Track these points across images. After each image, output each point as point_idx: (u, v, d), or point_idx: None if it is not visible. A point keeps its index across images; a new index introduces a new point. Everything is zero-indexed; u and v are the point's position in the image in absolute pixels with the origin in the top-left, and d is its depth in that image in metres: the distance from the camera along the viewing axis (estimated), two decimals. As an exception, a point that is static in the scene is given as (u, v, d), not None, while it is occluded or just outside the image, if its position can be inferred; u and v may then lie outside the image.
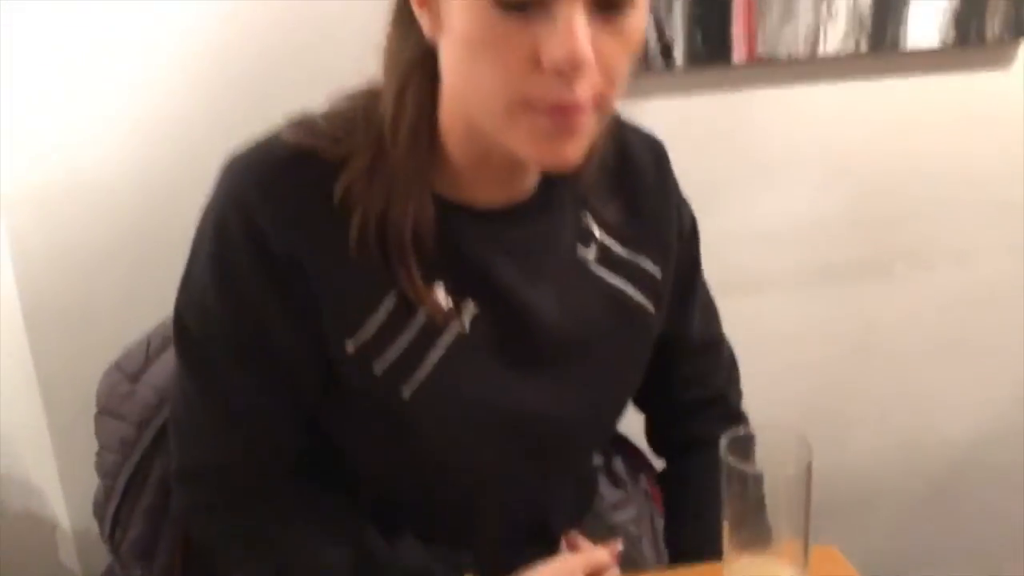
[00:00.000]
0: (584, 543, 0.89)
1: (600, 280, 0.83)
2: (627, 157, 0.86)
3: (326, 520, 0.81)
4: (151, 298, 1.21)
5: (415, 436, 0.77)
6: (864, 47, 1.34)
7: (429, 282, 0.74)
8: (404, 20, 0.71)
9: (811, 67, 1.36)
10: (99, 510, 0.96)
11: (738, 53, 1.30)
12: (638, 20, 0.66)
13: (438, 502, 0.85)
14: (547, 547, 0.89)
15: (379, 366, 0.74)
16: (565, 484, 0.94)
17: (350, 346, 0.74)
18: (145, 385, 0.97)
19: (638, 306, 0.85)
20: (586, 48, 0.61)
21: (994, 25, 1.35)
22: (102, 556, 1.32)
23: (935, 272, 1.52)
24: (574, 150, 0.67)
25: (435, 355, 0.75)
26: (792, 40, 1.31)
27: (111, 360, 1.07)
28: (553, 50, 0.61)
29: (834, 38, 1.32)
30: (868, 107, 1.41)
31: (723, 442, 0.61)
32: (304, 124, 0.75)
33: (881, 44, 1.34)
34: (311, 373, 0.76)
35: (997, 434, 1.64)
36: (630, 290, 0.84)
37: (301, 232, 0.72)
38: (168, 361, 0.98)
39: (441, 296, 0.75)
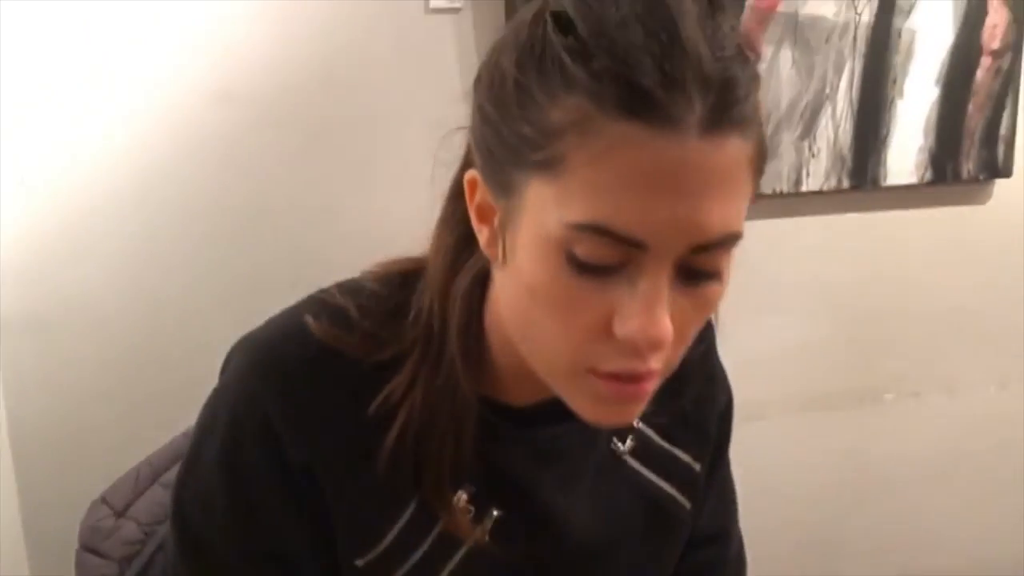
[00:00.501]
0: None
1: (636, 474, 0.76)
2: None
3: None
4: (141, 431, 1.22)
5: None
6: (845, 183, 1.39)
7: (454, 489, 0.67)
8: (460, 207, 0.63)
9: (795, 202, 1.41)
10: (74, 655, 0.93)
11: (724, 189, 1.35)
12: (721, 287, 0.57)
13: None
14: None
15: None
16: None
17: (360, 562, 0.68)
18: (130, 520, 0.96)
19: (674, 501, 0.77)
20: (667, 326, 0.53)
21: (969, 166, 1.41)
22: None
23: (924, 401, 1.54)
24: (635, 413, 0.62)
25: (450, 565, 0.69)
26: (776, 178, 1.36)
27: (95, 485, 1.06)
28: (630, 323, 0.53)
29: (816, 175, 1.37)
30: (851, 239, 1.46)
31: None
32: (335, 315, 0.66)
33: (862, 180, 1.39)
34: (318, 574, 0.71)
35: (994, 564, 1.62)
36: (666, 485, 0.77)
37: (322, 445, 0.66)
38: (156, 494, 0.97)
39: (463, 504, 0.68)
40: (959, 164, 1.41)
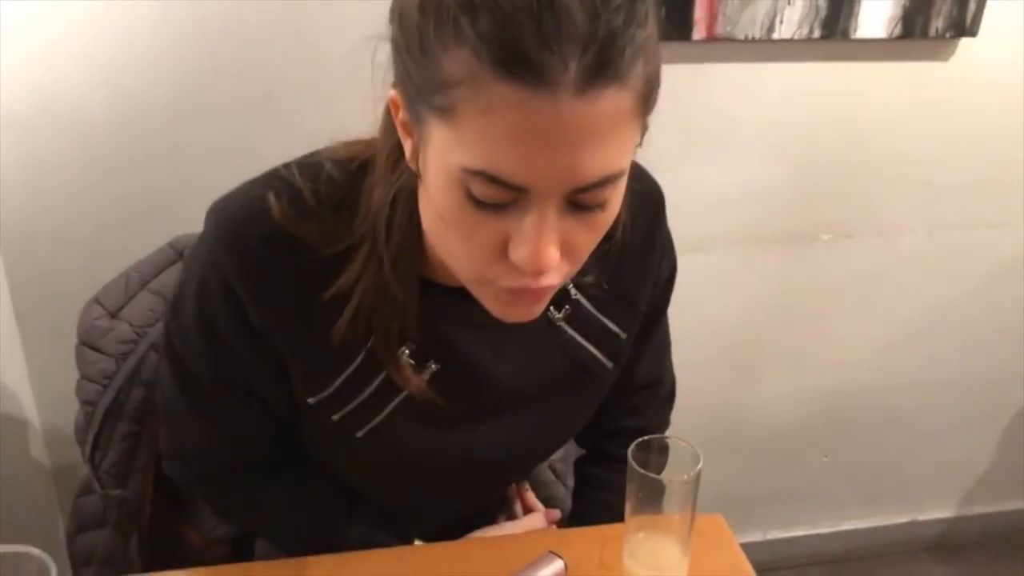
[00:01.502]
0: (532, 500, 1.03)
1: (566, 337, 0.85)
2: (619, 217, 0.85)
3: (293, 491, 0.92)
4: (124, 233, 1.30)
5: (366, 465, 0.86)
6: (817, 33, 1.41)
7: (398, 347, 0.78)
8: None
9: (766, 48, 1.43)
10: (80, 434, 1.06)
11: (699, 31, 1.37)
12: (611, 213, 0.64)
13: (390, 504, 0.94)
14: (490, 520, 1.02)
15: (337, 415, 0.81)
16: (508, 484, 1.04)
17: (311, 400, 0.81)
18: (123, 321, 1.05)
19: (598, 362, 0.87)
20: (552, 255, 0.60)
21: (938, 23, 1.44)
22: (68, 451, 1.44)
23: (857, 242, 1.65)
24: (536, 312, 0.69)
25: (391, 406, 0.81)
26: (750, 23, 1.38)
27: (81, 282, 1.15)
28: (520, 251, 0.60)
29: (790, 23, 1.39)
30: (815, 88, 1.50)
31: (631, 447, 0.73)
32: (294, 198, 0.74)
33: (833, 31, 1.42)
34: (280, 405, 0.85)
35: (892, 384, 1.83)
36: (593, 348, 0.86)
37: (276, 313, 0.76)
38: (145, 299, 1.07)
39: (405, 358, 0.78)
40: (929, 21, 1.43)
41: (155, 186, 1.33)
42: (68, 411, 1.40)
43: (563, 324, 0.84)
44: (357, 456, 0.85)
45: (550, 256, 0.61)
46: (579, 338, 0.86)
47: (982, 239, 1.69)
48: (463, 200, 0.60)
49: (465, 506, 0.99)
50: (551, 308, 0.83)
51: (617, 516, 0.82)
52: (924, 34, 1.45)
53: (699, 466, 0.72)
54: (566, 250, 0.62)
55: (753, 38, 1.40)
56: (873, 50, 1.47)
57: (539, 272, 0.62)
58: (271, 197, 0.74)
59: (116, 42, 1.24)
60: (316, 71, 1.30)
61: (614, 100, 0.56)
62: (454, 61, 0.55)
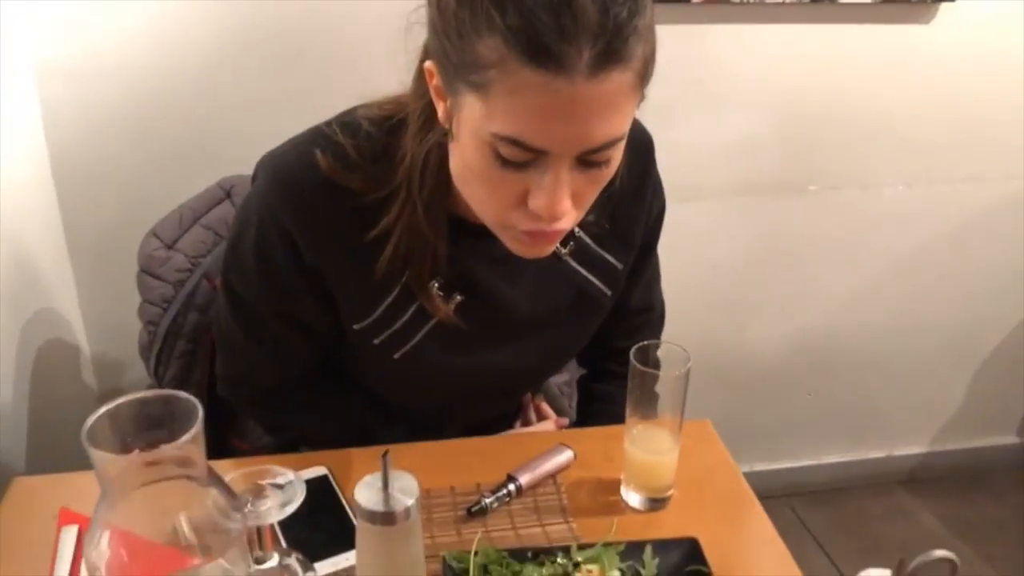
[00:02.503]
0: (545, 408, 1.18)
1: (572, 270, 0.98)
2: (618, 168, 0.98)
3: (334, 407, 1.06)
4: (167, 171, 1.42)
5: (402, 381, 1.00)
6: (807, -3, 1.53)
7: (429, 280, 0.91)
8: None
9: (760, 10, 1.55)
10: (144, 352, 1.20)
11: (697, -6, 1.49)
12: (613, 168, 0.77)
13: (421, 413, 1.07)
14: (507, 426, 1.16)
15: (377, 339, 0.94)
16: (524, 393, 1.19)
17: (356, 326, 0.94)
18: (179, 252, 1.19)
19: (598, 291, 1.01)
20: (566, 205, 0.74)
21: (919, -12, 1.55)
22: (114, 376, 1.58)
23: (841, 193, 1.78)
24: (549, 250, 0.84)
25: (423, 331, 0.94)
26: (745, -13, 1.49)
27: (128, 219, 1.27)
28: (538, 201, 0.73)
29: (782, -13, 1.51)
30: (804, 48, 1.62)
31: (632, 350, 0.86)
32: (337, 152, 0.86)
33: (821, -5, 1.53)
34: (327, 334, 0.98)
35: (872, 328, 1.97)
36: (594, 279, 1.00)
37: (327, 252, 0.89)
38: (198, 233, 1.20)
39: (435, 290, 0.92)
40: (911, -14, 1.55)
41: (198, 132, 1.45)
42: (114, 339, 1.55)
43: (568, 259, 0.98)
44: (394, 374, 0.98)
45: (564, 205, 0.74)
46: (583, 271, 0.99)
47: (957, 192, 1.82)
48: (491, 159, 0.73)
49: (485, 413, 1.13)
50: (558, 245, 0.95)
51: (617, 422, 0.96)
52: (906, -2, 1.56)
53: (688, 364, 0.86)
54: (575, 200, 0.76)
55: (747, 1, 1.51)
56: (859, 13, 1.59)
57: (555, 219, 0.75)
58: (318, 153, 0.86)
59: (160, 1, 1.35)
60: (343, 30, 1.42)
61: (619, 79, 0.68)
62: (487, 47, 0.67)
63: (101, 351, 1.58)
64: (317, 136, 0.89)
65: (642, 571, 0.79)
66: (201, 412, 0.56)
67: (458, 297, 0.93)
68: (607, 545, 0.81)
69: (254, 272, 0.93)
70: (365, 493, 0.64)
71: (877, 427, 2.11)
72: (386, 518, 0.63)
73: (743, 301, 1.88)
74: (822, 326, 1.94)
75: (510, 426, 1.16)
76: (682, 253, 1.65)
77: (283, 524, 0.79)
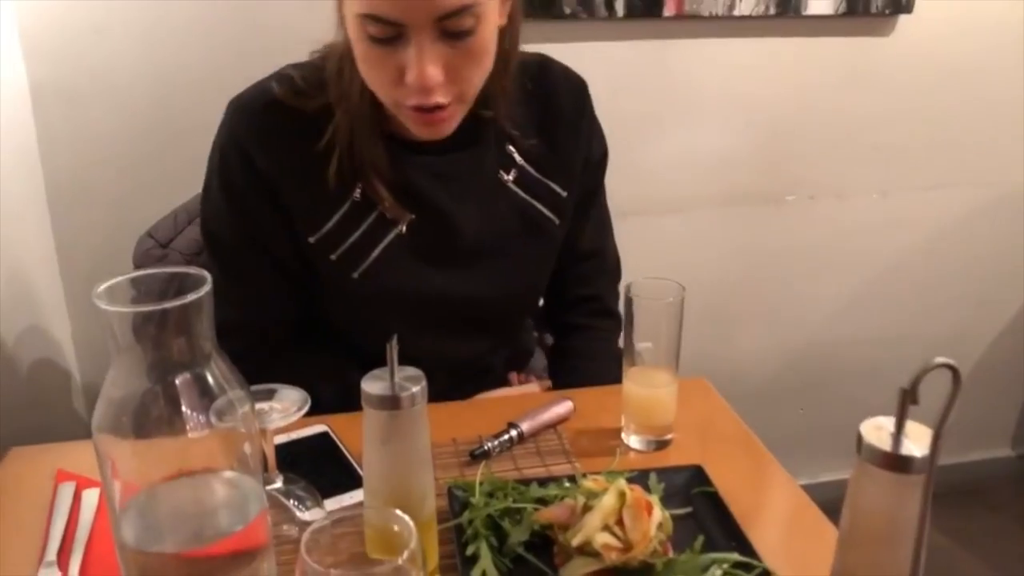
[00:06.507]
0: (529, 377, 1.19)
1: (516, 196, 1.05)
2: (550, 95, 1.07)
3: (322, 366, 1.05)
4: (156, 185, 1.45)
5: (367, 307, 1.03)
6: (772, 10, 1.61)
7: (384, 193, 0.98)
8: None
9: (728, 24, 1.63)
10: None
11: (668, 8, 1.56)
12: (482, 40, 0.85)
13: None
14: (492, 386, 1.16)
15: (334, 255, 0.99)
16: (501, 349, 1.18)
17: (312, 239, 0.99)
18: (175, 251, 1.20)
19: (545, 218, 1.07)
20: (432, 74, 0.83)
21: (878, 1, 1.64)
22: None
23: (818, 203, 1.83)
24: (446, 129, 0.92)
25: (378, 249, 1.00)
26: (713, 1, 1.57)
27: (120, 238, 1.29)
28: (409, 75, 0.83)
29: (748, 1, 1.59)
30: (772, 60, 1.69)
31: (627, 285, 0.88)
32: (287, 80, 0.97)
33: (787, 9, 1.61)
34: (294, 258, 1.01)
35: (860, 339, 1.99)
36: (540, 205, 1.06)
37: (281, 161, 0.97)
38: (192, 232, 1.22)
39: (390, 202, 0.98)
40: (869, 0, 1.64)
41: (191, 153, 1.47)
42: (105, 360, 1.54)
43: (512, 186, 1.05)
44: (358, 299, 1.02)
45: (430, 74, 0.83)
46: (528, 198, 1.06)
47: (928, 199, 1.88)
48: (365, 40, 0.83)
49: (465, 355, 1.11)
50: (501, 171, 1.04)
51: (591, 381, 1.03)
52: (866, 11, 1.65)
53: (683, 292, 0.88)
54: (451, 74, 0.85)
55: (716, 15, 1.59)
56: (822, 26, 1.67)
57: (425, 88, 0.84)
58: (274, 84, 0.98)
59: (154, 24, 1.41)
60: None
61: None
62: None
63: (91, 377, 1.57)
64: (273, 76, 1.00)
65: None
66: (209, 279, 0.58)
67: (410, 216, 1.00)
68: (612, 473, 0.80)
69: (220, 199, 1.00)
70: (371, 383, 0.65)
71: (871, 442, 2.10)
72: (392, 402, 0.63)
73: (728, 315, 1.90)
74: (808, 339, 1.96)
75: (496, 385, 1.15)
76: (663, 267, 1.67)
77: (286, 470, 0.79)
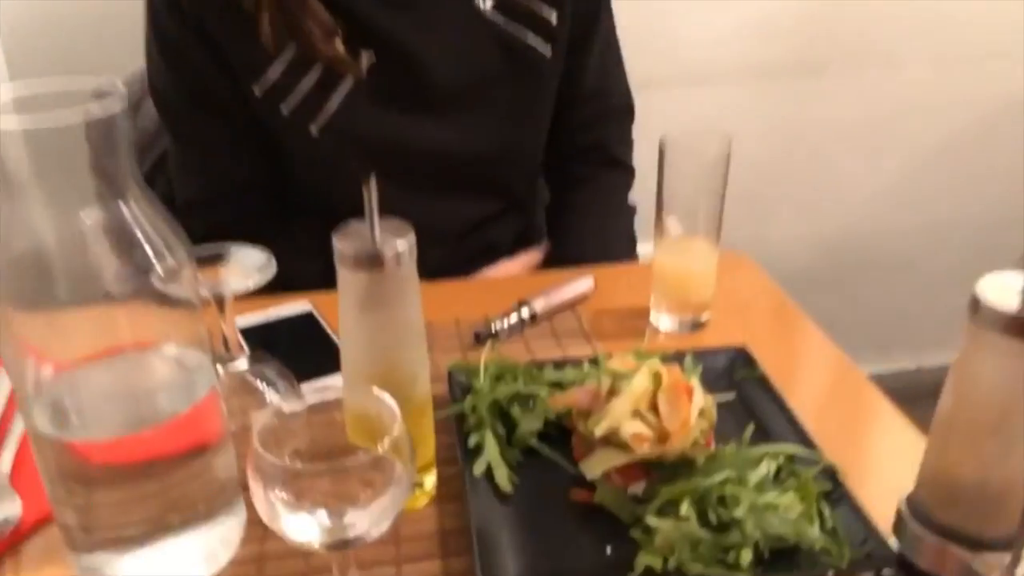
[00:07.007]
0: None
1: (495, 26, 0.89)
2: None
3: (296, 237, 0.93)
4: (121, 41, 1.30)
5: (336, 170, 0.87)
6: None
7: (328, 37, 0.84)
8: None
9: None
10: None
11: None
12: None
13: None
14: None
15: (285, 108, 0.87)
16: (504, 220, 1.03)
17: (257, 90, 0.87)
18: (144, 115, 1.07)
19: (533, 50, 0.91)
20: None
21: None
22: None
23: (865, 76, 1.66)
24: None
25: (337, 98, 0.87)
26: None
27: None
28: None
29: None
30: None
31: (662, 137, 0.74)
32: None
33: None
34: (244, 116, 0.89)
35: (900, 227, 1.84)
36: (525, 34, 0.91)
37: (206, 4, 0.84)
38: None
39: (339, 47, 0.84)
40: None
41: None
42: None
43: (491, 14, 0.89)
44: (321, 157, 0.90)
45: None
46: (509, 25, 0.90)
47: (987, 71, 1.69)
48: None
49: (459, 225, 0.99)
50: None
51: (592, 241, 0.94)
52: None
53: (730, 146, 0.74)
54: None
55: None
56: None
57: None
58: None
59: None
60: None
61: None
62: None
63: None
64: None
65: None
66: (122, 89, 0.44)
67: (368, 55, 0.86)
68: (642, 354, 0.68)
69: (156, 52, 0.90)
70: (346, 239, 0.51)
71: (906, 336, 1.98)
72: (372, 261, 0.50)
73: (761, 199, 1.75)
74: (845, 224, 1.82)
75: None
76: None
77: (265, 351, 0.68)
